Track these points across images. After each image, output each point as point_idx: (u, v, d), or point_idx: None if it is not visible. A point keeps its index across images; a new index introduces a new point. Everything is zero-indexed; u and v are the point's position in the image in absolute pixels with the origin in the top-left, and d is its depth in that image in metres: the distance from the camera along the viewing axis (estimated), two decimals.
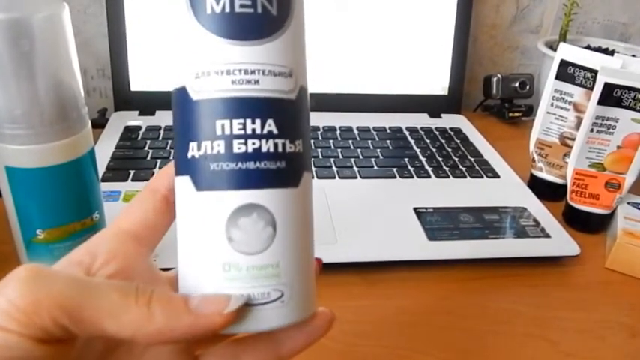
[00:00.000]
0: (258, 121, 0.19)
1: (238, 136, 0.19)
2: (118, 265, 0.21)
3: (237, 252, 0.19)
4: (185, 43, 0.20)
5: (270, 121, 0.20)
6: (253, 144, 0.19)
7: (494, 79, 0.77)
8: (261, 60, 0.19)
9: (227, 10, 0.19)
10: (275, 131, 0.20)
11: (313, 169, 0.57)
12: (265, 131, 0.20)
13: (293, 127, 0.20)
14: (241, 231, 0.19)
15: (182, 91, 0.20)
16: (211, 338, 0.25)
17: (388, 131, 0.68)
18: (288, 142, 0.20)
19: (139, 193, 0.23)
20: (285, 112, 0.20)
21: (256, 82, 0.19)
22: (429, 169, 0.59)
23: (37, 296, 0.17)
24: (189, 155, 0.20)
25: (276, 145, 0.20)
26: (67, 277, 0.18)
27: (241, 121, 0.19)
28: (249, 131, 0.19)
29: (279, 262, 0.20)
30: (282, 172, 0.20)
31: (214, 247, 0.20)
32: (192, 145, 0.20)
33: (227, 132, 0.19)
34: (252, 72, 0.19)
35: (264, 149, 0.19)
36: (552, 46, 0.75)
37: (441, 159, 0.62)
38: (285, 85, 0.20)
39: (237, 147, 0.19)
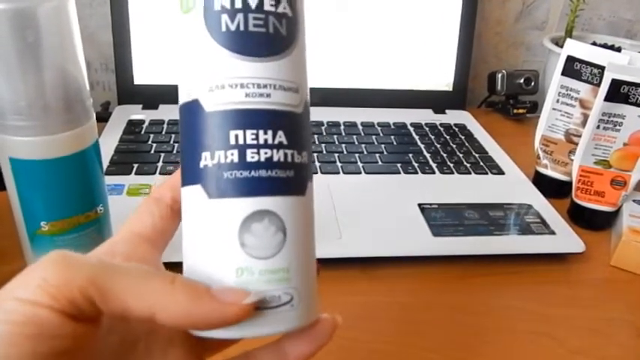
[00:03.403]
0: (270, 132, 0.20)
1: (251, 146, 0.20)
2: None
3: (249, 257, 0.20)
4: (199, 58, 0.21)
5: (280, 132, 0.21)
6: (265, 153, 0.20)
7: (499, 76, 0.76)
8: (272, 75, 0.21)
9: (241, 28, 0.20)
10: (285, 142, 0.21)
11: (317, 163, 0.57)
12: (276, 141, 0.20)
13: (300, 139, 0.21)
14: (254, 236, 0.20)
15: (194, 104, 0.21)
16: (220, 344, 0.25)
17: (392, 127, 0.68)
18: (296, 153, 0.21)
19: (143, 200, 0.24)
20: (294, 124, 0.21)
21: (268, 95, 0.20)
22: (434, 165, 0.59)
23: (68, 271, 0.18)
24: (202, 165, 0.20)
25: (286, 155, 0.21)
26: (95, 258, 0.19)
27: (254, 131, 0.20)
28: (261, 141, 0.20)
29: (289, 266, 0.21)
30: (291, 180, 0.21)
31: (227, 252, 0.20)
32: (205, 154, 0.20)
33: (241, 142, 0.20)
34: (265, 86, 0.20)
35: (275, 158, 0.20)
36: (558, 43, 0.74)
37: (445, 155, 0.62)
38: (293, 99, 0.21)
39: (251, 156, 0.20)
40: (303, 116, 0.22)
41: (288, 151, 0.21)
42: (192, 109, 0.21)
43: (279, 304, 0.20)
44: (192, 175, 0.21)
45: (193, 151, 0.21)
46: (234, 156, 0.20)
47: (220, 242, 0.20)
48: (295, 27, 0.21)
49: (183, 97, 0.21)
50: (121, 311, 0.18)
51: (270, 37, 0.21)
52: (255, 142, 0.20)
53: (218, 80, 0.20)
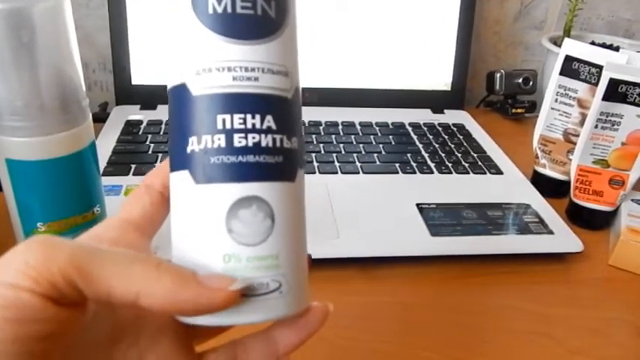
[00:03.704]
0: (258, 117, 0.20)
1: (239, 130, 0.20)
2: None
3: (237, 243, 0.20)
4: (186, 41, 0.20)
5: (269, 117, 0.20)
6: (253, 138, 0.20)
7: (498, 75, 0.76)
8: (260, 59, 0.20)
9: (229, 10, 0.20)
10: (274, 127, 0.20)
11: (315, 163, 0.57)
12: (265, 126, 0.20)
13: (289, 124, 0.21)
14: (241, 222, 0.20)
15: (181, 88, 0.20)
16: (209, 333, 0.25)
17: (391, 126, 0.68)
18: (285, 138, 0.21)
19: (134, 189, 0.24)
20: (283, 109, 0.21)
21: (256, 79, 0.20)
22: (432, 165, 0.59)
23: (48, 254, 0.17)
24: (189, 150, 0.20)
25: (274, 140, 0.20)
26: (77, 241, 0.19)
27: (242, 115, 0.20)
28: (249, 126, 0.20)
29: (277, 253, 0.20)
30: (279, 166, 0.20)
31: (214, 238, 0.20)
32: (192, 139, 0.20)
33: (228, 126, 0.20)
34: (253, 69, 0.20)
35: (263, 143, 0.20)
36: (556, 42, 0.74)
37: (443, 155, 0.62)
38: (282, 83, 0.21)
39: (238, 141, 0.20)
40: (293, 101, 0.21)
41: (277, 136, 0.20)
42: (180, 93, 0.21)
43: (267, 292, 0.20)
44: (179, 161, 0.21)
45: (180, 136, 0.20)
46: (221, 141, 0.20)
47: (207, 228, 0.20)
48: (285, 9, 0.21)
49: (171, 81, 0.21)
50: (105, 295, 0.18)
51: (259, 19, 0.20)
52: (242, 126, 0.20)
53: (205, 64, 0.20)
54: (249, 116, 0.20)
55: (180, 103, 0.21)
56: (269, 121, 0.20)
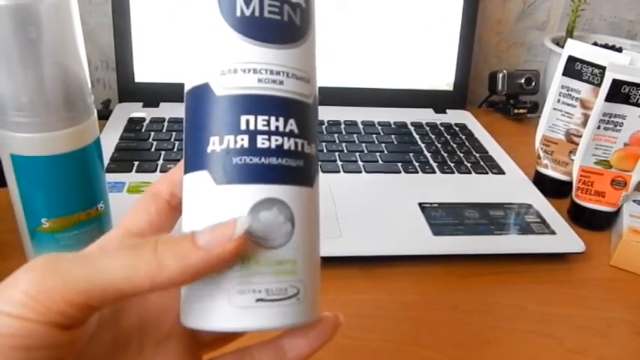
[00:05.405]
0: (281, 119, 0.20)
1: (262, 132, 0.20)
2: None
3: (256, 245, 0.19)
4: (211, 42, 0.20)
5: (291, 121, 0.20)
6: (276, 140, 0.20)
7: (500, 75, 0.76)
8: (285, 63, 0.20)
9: (256, 14, 0.20)
10: (296, 131, 0.20)
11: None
12: (288, 129, 0.20)
13: (309, 130, 0.21)
14: (262, 225, 0.19)
15: (204, 88, 0.20)
16: (217, 341, 0.25)
17: (393, 126, 0.68)
18: (306, 143, 0.21)
19: (140, 196, 0.23)
20: (304, 114, 0.21)
21: (281, 82, 0.20)
22: (434, 165, 0.59)
23: (47, 285, 0.17)
24: (209, 150, 0.20)
25: (296, 144, 0.20)
26: (72, 260, 0.18)
27: (266, 117, 0.20)
28: (272, 128, 0.20)
29: (296, 258, 0.20)
30: (300, 170, 0.20)
31: None
32: (214, 139, 0.20)
33: (252, 127, 0.20)
34: (278, 73, 0.20)
35: (286, 146, 0.20)
36: (559, 43, 0.74)
37: (446, 154, 0.62)
38: (304, 89, 0.21)
39: (261, 142, 0.20)
40: (313, 108, 0.22)
41: (299, 140, 0.20)
42: (202, 92, 0.20)
43: (285, 297, 0.20)
44: (197, 161, 0.20)
45: (200, 136, 0.20)
46: (244, 141, 0.20)
47: None
48: (308, 19, 0.21)
49: (192, 81, 0.21)
50: (121, 298, 0.18)
51: (285, 24, 0.20)
52: (266, 128, 0.20)
53: (230, 64, 0.20)
54: (272, 118, 0.20)
55: (202, 103, 0.20)
56: (291, 125, 0.20)
